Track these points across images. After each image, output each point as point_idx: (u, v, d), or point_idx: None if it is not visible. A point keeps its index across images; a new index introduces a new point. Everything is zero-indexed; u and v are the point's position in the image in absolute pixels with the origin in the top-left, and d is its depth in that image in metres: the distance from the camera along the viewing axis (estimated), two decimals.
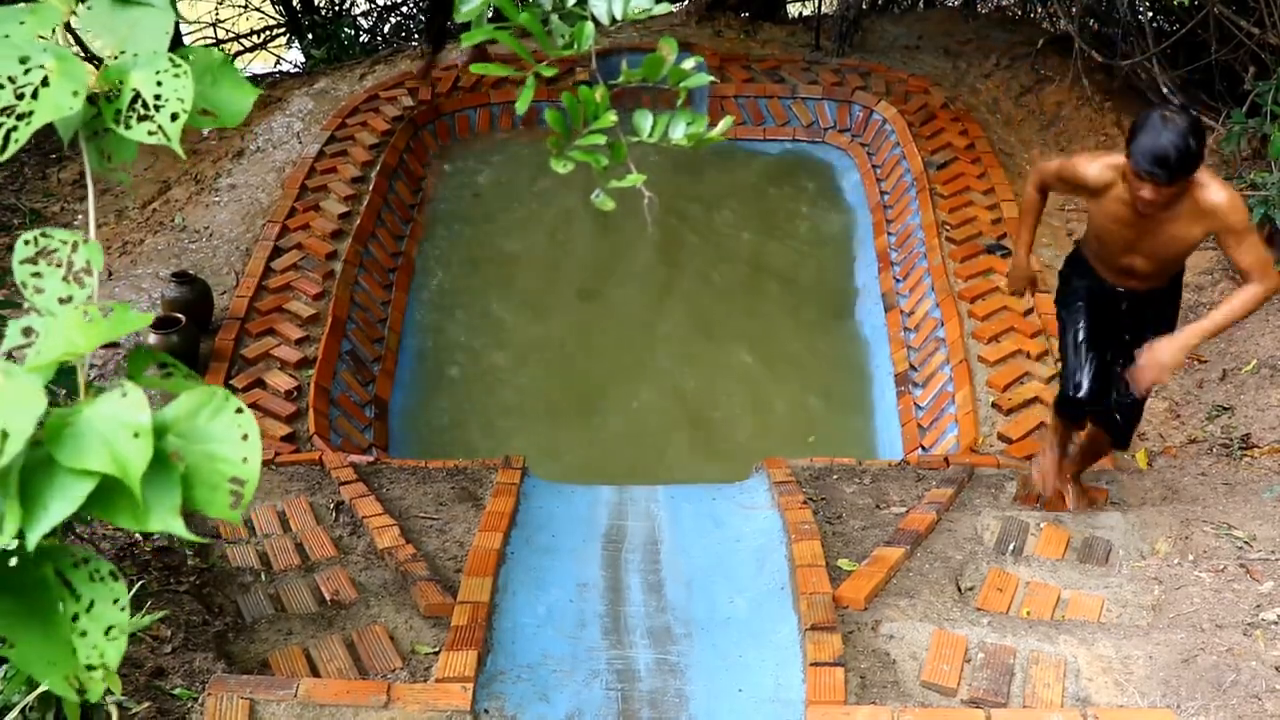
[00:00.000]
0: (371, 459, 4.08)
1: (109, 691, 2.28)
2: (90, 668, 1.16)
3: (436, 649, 2.80)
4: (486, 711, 2.59)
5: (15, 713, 2.07)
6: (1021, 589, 2.99)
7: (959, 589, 3.00)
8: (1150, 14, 6.12)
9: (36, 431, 1.07)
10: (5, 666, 2.19)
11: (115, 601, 1.17)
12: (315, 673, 2.72)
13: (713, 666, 2.87)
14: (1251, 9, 5.14)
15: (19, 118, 1.21)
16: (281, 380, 4.50)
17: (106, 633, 1.16)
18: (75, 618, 1.16)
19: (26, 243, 1.23)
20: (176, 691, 2.48)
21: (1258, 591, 2.82)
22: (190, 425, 1.17)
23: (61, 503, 1.09)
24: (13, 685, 2.13)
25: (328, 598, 3.07)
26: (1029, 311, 4.69)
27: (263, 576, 3.17)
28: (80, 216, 5.65)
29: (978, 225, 5.26)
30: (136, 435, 1.09)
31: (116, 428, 1.10)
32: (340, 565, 3.22)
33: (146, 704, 2.41)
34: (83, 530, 3.01)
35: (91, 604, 1.17)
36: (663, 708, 2.73)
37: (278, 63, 9.24)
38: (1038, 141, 6.06)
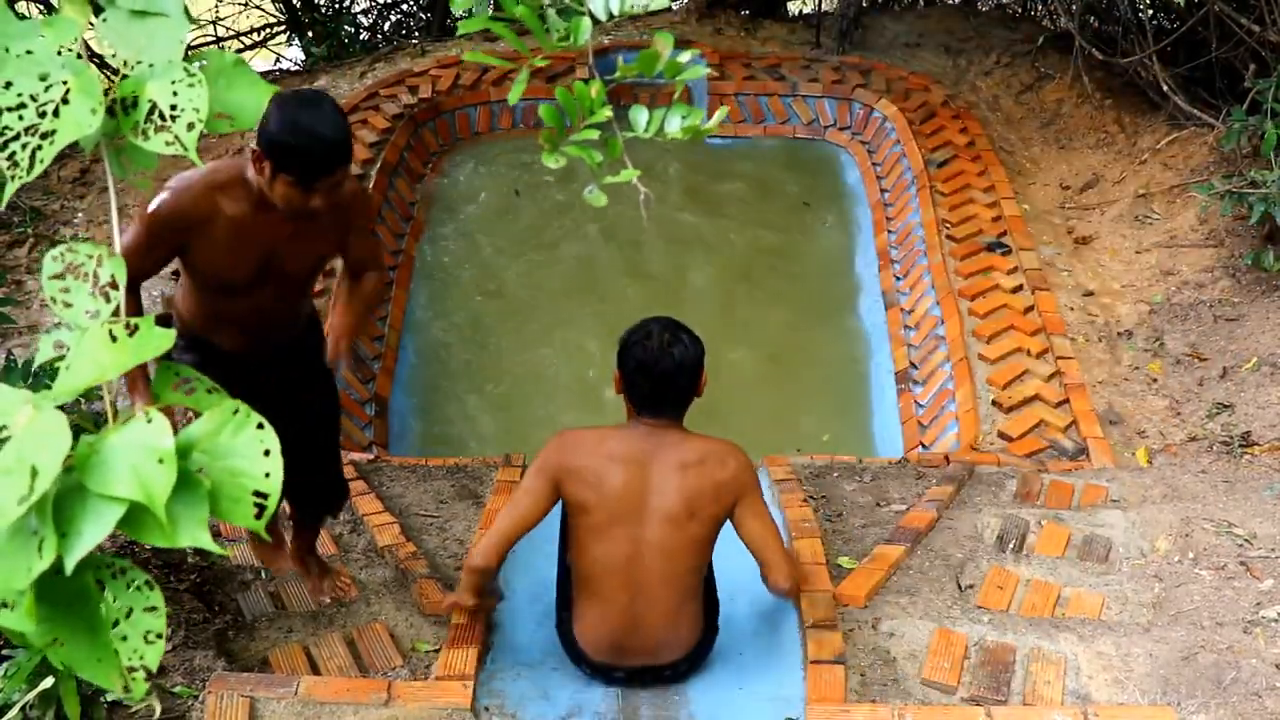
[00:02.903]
0: (371, 457, 4.08)
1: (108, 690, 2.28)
2: (131, 669, 1.22)
3: (437, 647, 2.80)
4: (487, 709, 2.59)
5: (15, 711, 2.07)
6: (1022, 587, 2.99)
7: (959, 587, 3.00)
8: (1150, 12, 6.12)
9: (67, 459, 1.12)
10: (5, 665, 2.19)
11: (151, 608, 1.23)
12: (315, 671, 2.72)
13: (712, 664, 2.87)
14: (1251, 7, 5.13)
15: (43, 136, 1.23)
16: None
17: (145, 637, 1.23)
18: (115, 623, 1.23)
19: (55, 259, 1.27)
20: (177, 689, 2.48)
21: (1258, 589, 2.82)
22: (214, 442, 1.22)
23: (94, 528, 1.14)
24: (13, 683, 2.13)
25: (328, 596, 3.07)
26: (1029, 309, 4.70)
27: (263, 574, 3.17)
28: (79, 214, 5.65)
29: (978, 223, 5.25)
30: (161, 461, 1.14)
31: (142, 454, 1.14)
32: (340, 563, 3.22)
33: (147, 702, 2.41)
34: None
35: (130, 611, 1.23)
36: (662, 705, 2.73)
37: (278, 61, 9.24)
38: (1038, 139, 6.06)
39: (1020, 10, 7.72)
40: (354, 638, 2.83)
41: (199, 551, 3.18)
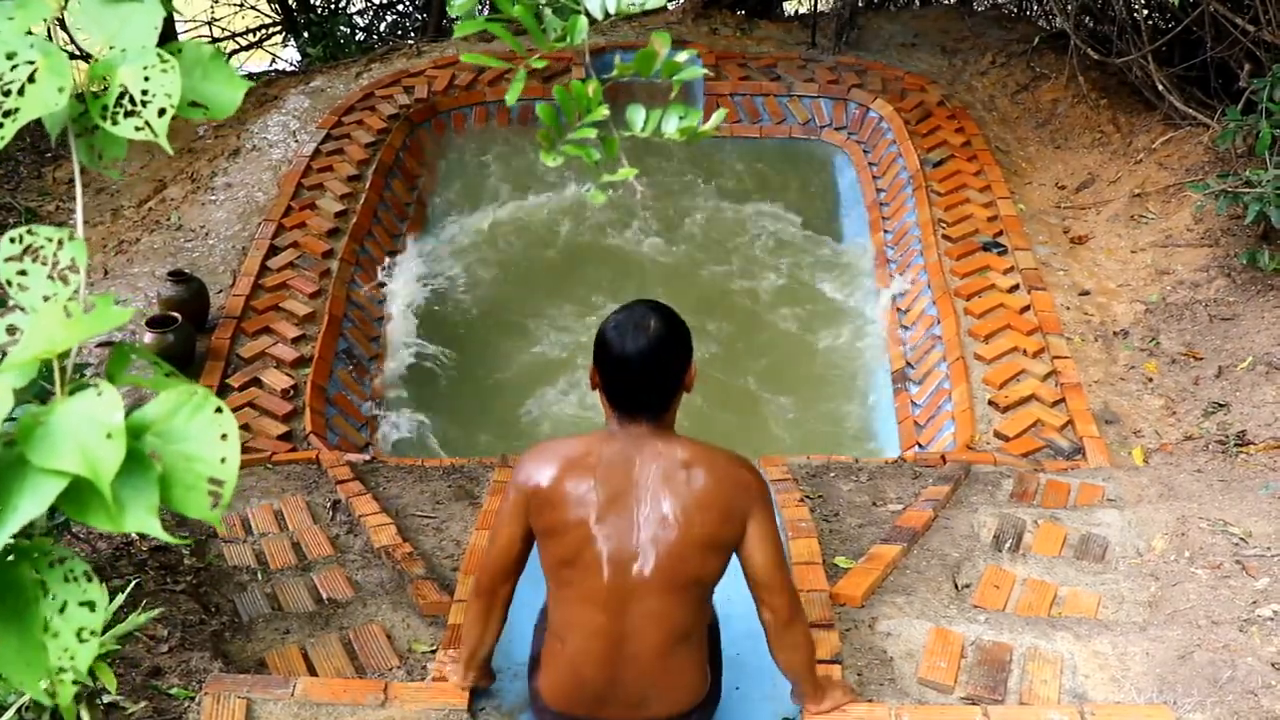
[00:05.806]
0: (368, 458, 4.08)
1: (105, 691, 2.28)
2: (61, 670, 1.12)
3: (434, 647, 2.80)
4: (484, 710, 2.58)
5: (12, 712, 2.06)
6: (1018, 586, 2.99)
7: (956, 586, 3.00)
8: (1146, 11, 6.13)
9: (10, 431, 1.05)
10: None
11: (88, 603, 1.14)
12: (312, 671, 2.72)
13: None
14: (1247, 6, 5.14)
15: (5, 114, 1.20)
16: (278, 379, 4.49)
17: (78, 634, 1.13)
18: (47, 619, 1.13)
19: (12, 240, 1.21)
20: (173, 691, 2.48)
21: (1254, 588, 2.83)
22: (168, 425, 1.13)
23: (31, 502, 1.06)
24: (9, 684, 2.13)
25: (324, 597, 3.07)
26: (1025, 309, 4.70)
27: (259, 575, 3.16)
28: (75, 215, 5.64)
29: (974, 223, 5.26)
30: (109, 436, 1.06)
31: (89, 428, 1.07)
32: (337, 564, 3.22)
33: (143, 703, 2.40)
34: (80, 529, 3.01)
35: (64, 605, 1.13)
36: None
37: (273, 61, 9.24)
38: (1034, 139, 6.06)
39: (1016, 10, 7.74)
40: (351, 639, 2.83)
41: (195, 552, 3.18)
